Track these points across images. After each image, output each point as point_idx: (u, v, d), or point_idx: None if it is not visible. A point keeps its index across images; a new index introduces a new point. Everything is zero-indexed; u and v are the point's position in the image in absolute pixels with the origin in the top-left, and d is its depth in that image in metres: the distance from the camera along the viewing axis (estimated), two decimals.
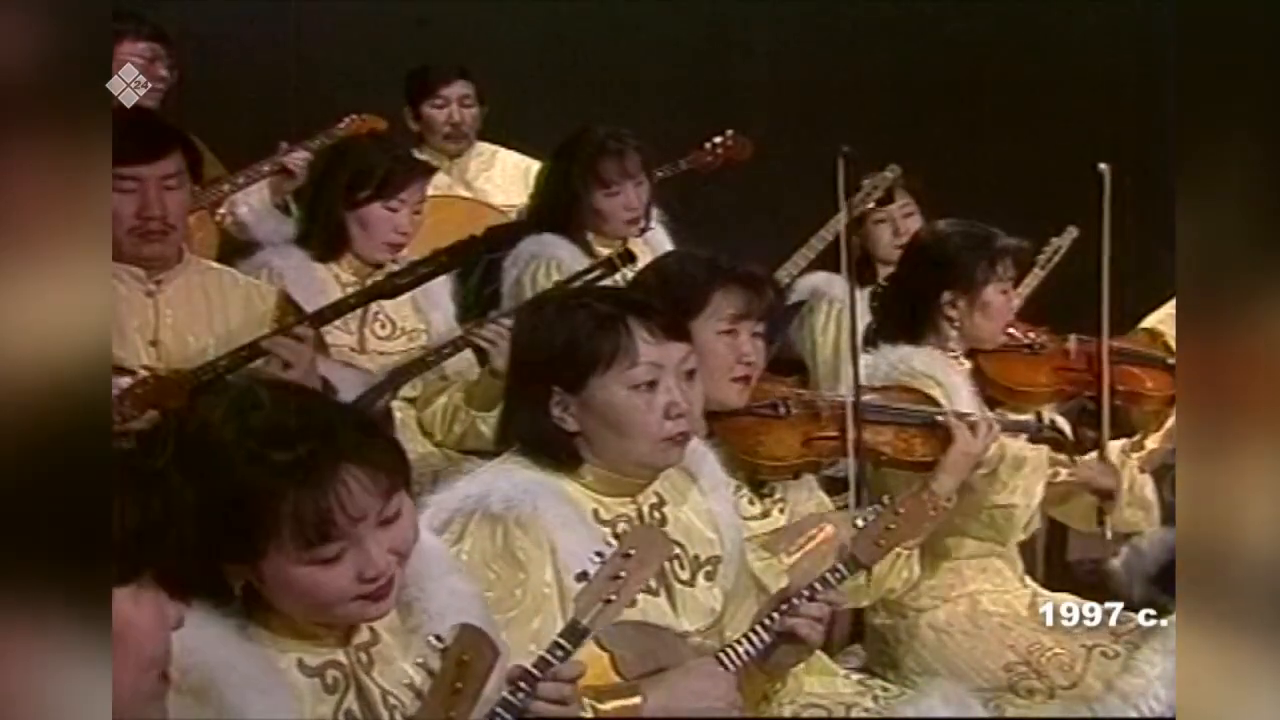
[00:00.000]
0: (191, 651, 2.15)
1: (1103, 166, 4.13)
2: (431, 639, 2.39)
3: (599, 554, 2.63)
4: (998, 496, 3.93)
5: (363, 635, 2.39)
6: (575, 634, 2.53)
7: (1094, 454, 4.20)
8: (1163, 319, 4.80)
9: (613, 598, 2.56)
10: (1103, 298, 4.13)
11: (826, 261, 5.38)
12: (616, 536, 2.99)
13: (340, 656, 2.37)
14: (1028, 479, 3.96)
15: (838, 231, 5.39)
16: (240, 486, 2.22)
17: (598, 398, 2.96)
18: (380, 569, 2.29)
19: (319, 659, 2.35)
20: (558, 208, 5.01)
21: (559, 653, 2.50)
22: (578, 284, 4.24)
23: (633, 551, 2.61)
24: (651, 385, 2.96)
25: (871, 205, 5.39)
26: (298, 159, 5.12)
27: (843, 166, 3.89)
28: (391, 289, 4.22)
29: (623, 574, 2.58)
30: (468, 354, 4.47)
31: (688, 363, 3.02)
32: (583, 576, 2.65)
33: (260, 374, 3.70)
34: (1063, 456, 4.22)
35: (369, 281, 4.47)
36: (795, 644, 3.03)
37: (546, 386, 2.97)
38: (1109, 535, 4.22)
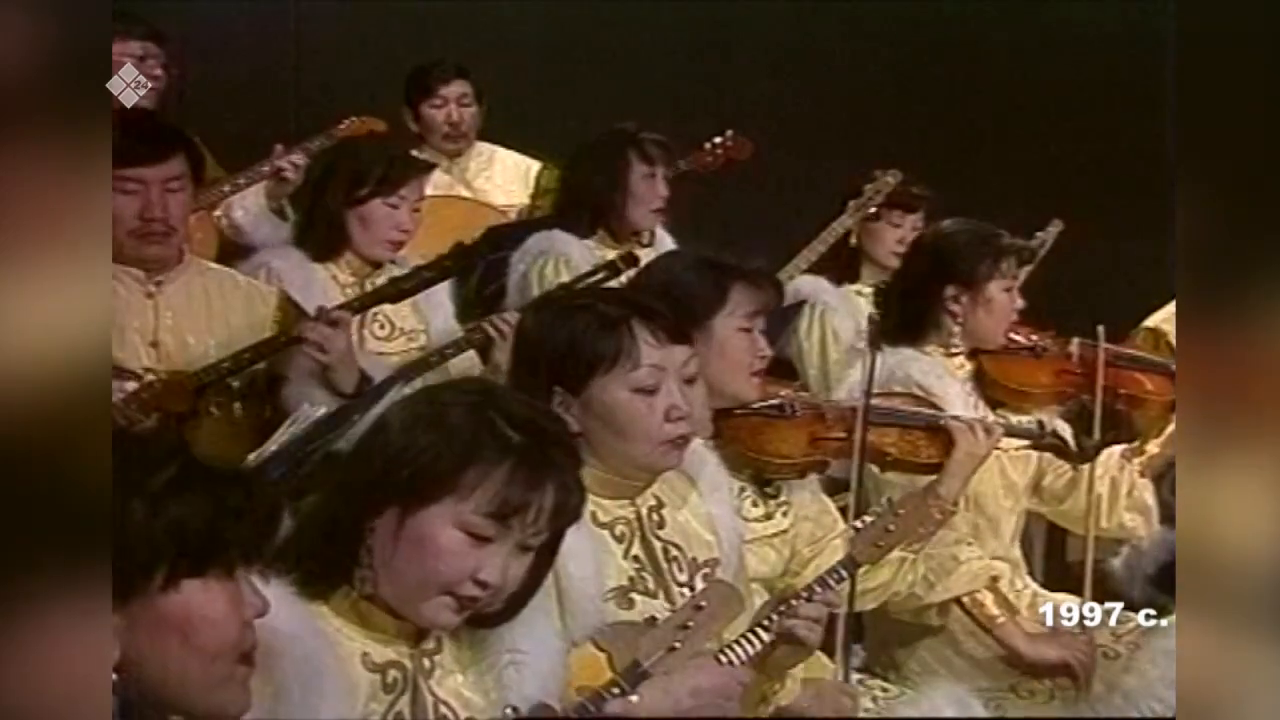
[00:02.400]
0: (259, 625, 2.16)
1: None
2: (509, 710, 2.42)
3: (671, 607, 2.70)
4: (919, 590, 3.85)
5: (430, 641, 2.41)
6: (634, 676, 2.56)
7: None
8: (1164, 319, 4.80)
9: (677, 646, 2.59)
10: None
11: (824, 264, 5.39)
12: (616, 538, 2.99)
13: (405, 659, 2.39)
14: (954, 582, 3.84)
15: (838, 234, 5.44)
16: (459, 441, 2.31)
17: (599, 399, 2.96)
18: (494, 580, 2.33)
19: (384, 656, 2.37)
20: (581, 199, 5.02)
21: (615, 690, 2.52)
22: (581, 286, 4.25)
23: (704, 604, 2.64)
24: (653, 388, 2.96)
25: (874, 210, 5.40)
26: (292, 162, 5.12)
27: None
28: (395, 293, 4.22)
29: (691, 624, 2.61)
30: (470, 354, 4.48)
31: (689, 366, 3.02)
32: (652, 621, 2.66)
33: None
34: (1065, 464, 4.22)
35: (367, 282, 4.47)
36: (794, 645, 3.03)
37: (548, 386, 2.97)
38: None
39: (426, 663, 2.40)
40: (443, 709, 2.39)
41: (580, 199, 5.05)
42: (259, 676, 2.15)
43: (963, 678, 3.85)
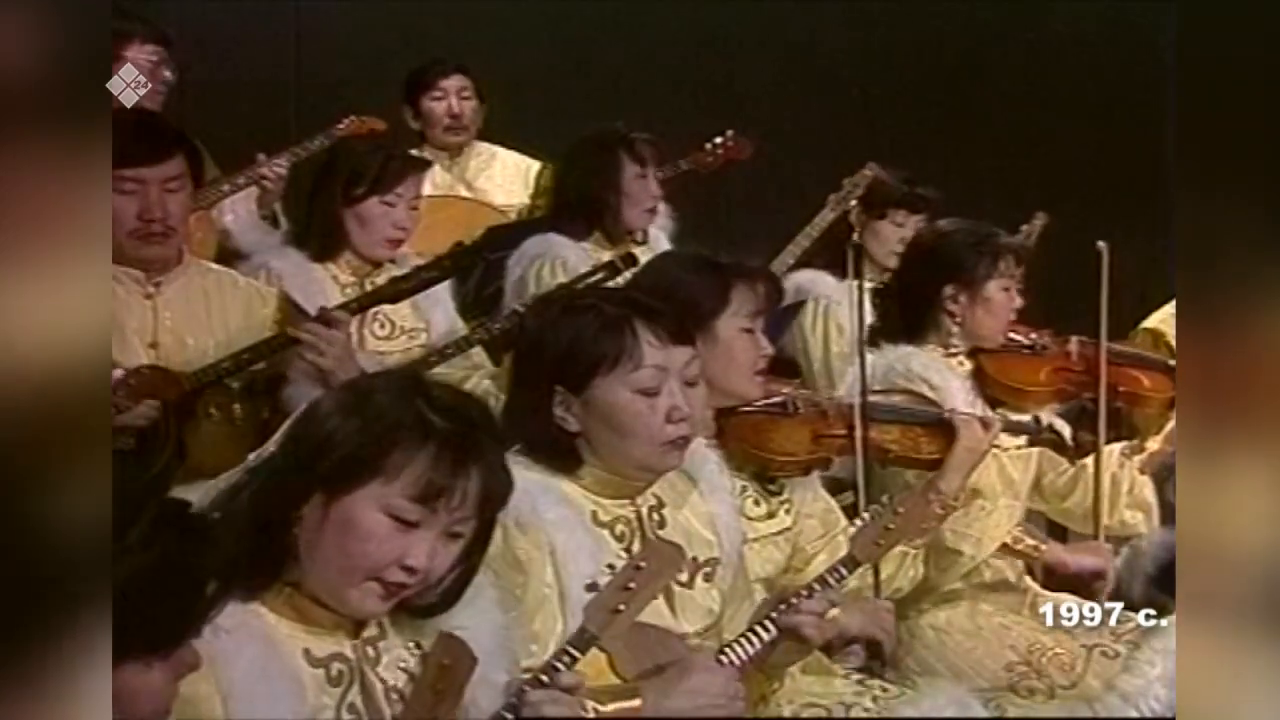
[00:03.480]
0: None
1: (1100, 245, 4.11)
2: (410, 645, 2.41)
3: (610, 565, 2.63)
4: (949, 538, 3.91)
5: (371, 630, 2.41)
6: (583, 641, 2.55)
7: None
8: (1164, 319, 4.80)
9: (622, 608, 2.58)
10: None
11: (812, 258, 5.38)
12: (616, 537, 2.99)
13: (347, 650, 2.38)
14: (988, 532, 3.93)
15: (823, 228, 5.43)
16: (383, 426, 2.33)
17: (600, 398, 2.96)
18: (420, 565, 2.33)
19: (325, 650, 2.37)
20: (579, 199, 5.02)
21: (566, 659, 2.52)
22: (579, 287, 4.25)
23: (644, 564, 2.63)
24: (655, 389, 2.96)
25: (854, 203, 5.40)
26: (275, 170, 5.12)
27: (852, 257, 3.94)
28: (394, 293, 4.22)
29: (633, 585, 2.60)
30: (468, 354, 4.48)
31: (691, 368, 3.02)
32: (593, 586, 2.66)
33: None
34: (1063, 460, 4.22)
35: (366, 281, 4.47)
36: (796, 643, 3.03)
37: (550, 386, 2.97)
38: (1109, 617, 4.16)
39: (370, 651, 2.40)
40: (394, 695, 2.39)
41: (574, 201, 5.05)
42: (208, 682, 2.17)
43: (963, 678, 3.85)
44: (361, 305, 4.17)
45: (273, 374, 3.92)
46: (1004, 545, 4.00)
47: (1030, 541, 4.07)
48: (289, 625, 2.35)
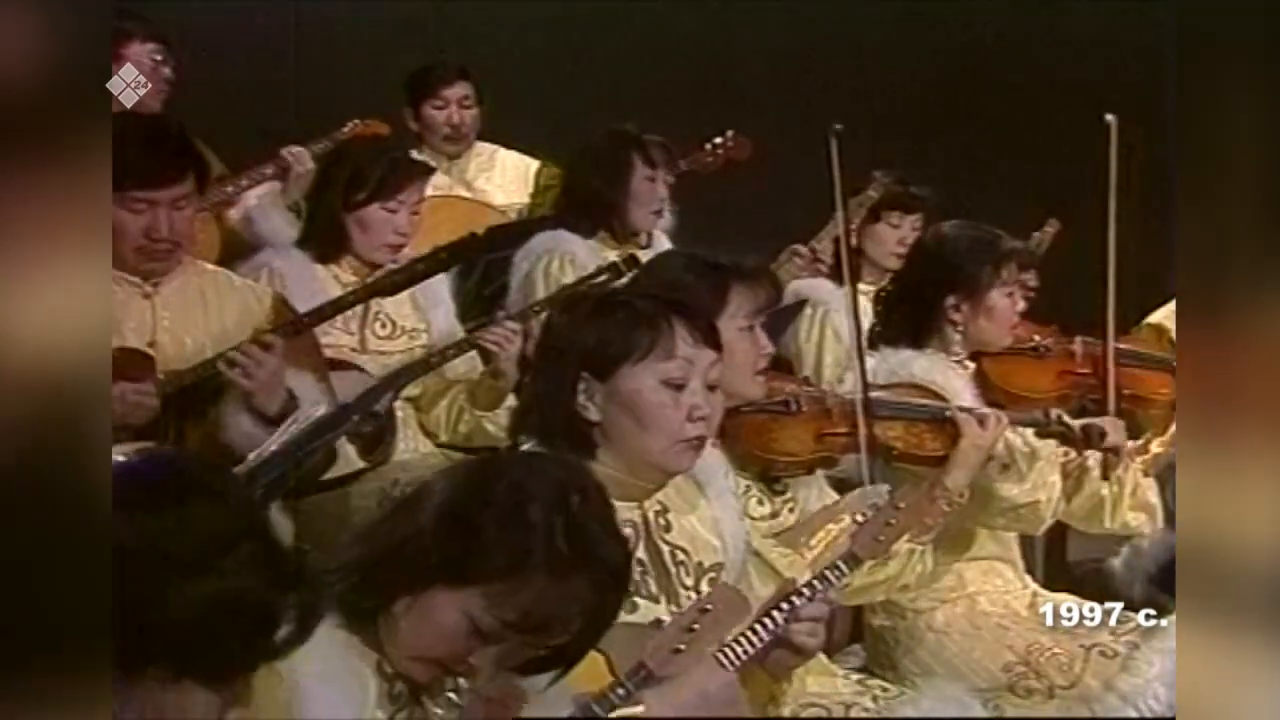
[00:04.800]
0: None
1: (1109, 118, 4.10)
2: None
3: (675, 610, 2.69)
4: (1019, 493, 3.92)
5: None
6: (640, 678, 2.55)
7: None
8: (1167, 315, 4.78)
9: (682, 648, 2.58)
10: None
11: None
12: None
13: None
14: (1042, 470, 3.95)
15: (835, 236, 5.43)
16: (506, 547, 2.28)
17: (626, 386, 2.96)
18: (480, 668, 2.32)
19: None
20: (583, 200, 5.03)
21: (621, 692, 2.53)
22: (581, 289, 4.26)
23: (710, 607, 2.64)
24: (681, 382, 2.97)
25: (864, 213, 5.40)
26: (301, 159, 5.13)
27: (835, 145, 3.89)
28: (390, 286, 4.22)
29: (697, 627, 2.60)
30: (470, 354, 4.48)
31: (714, 371, 3.03)
32: (658, 624, 2.67)
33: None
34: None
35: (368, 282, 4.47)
36: (793, 651, 3.03)
37: (575, 372, 2.98)
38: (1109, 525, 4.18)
39: (434, 683, 2.40)
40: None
41: (583, 200, 5.06)
42: (275, 677, 2.17)
43: (961, 678, 3.85)
44: (357, 299, 4.17)
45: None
46: (1063, 466, 4.01)
47: (1073, 452, 4.04)
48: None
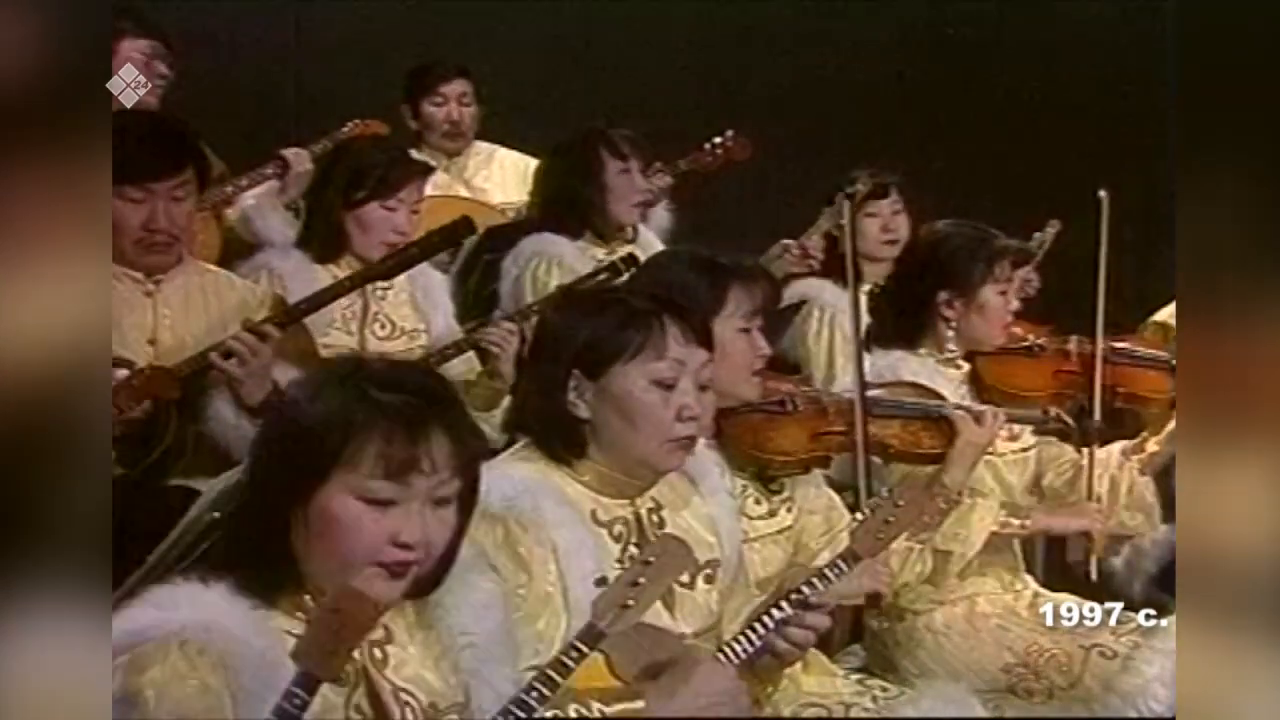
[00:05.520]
0: (211, 628, 2.18)
1: (1101, 193, 4.12)
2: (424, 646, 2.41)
3: (620, 562, 2.63)
4: (938, 539, 3.90)
5: (377, 632, 2.39)
6: (591, 637, 2.55)
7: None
8: (1174, 313, 4.77)
9: (630, 603, 2.58)
10: (1098, 312, 4.13)
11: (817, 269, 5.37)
12: (614, 538, 2.99)
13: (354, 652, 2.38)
14: (973, 528, 3.91)
15: (824, 231, 5.43)
16: (330, 416, 2.32)
17: (617, 385, 2.96)
18: (414, 539, 2.32)
19: None
20: (563, 198, 5.03)
21: (574, 654, 2.52)
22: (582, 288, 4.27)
23: (652, 560, 2.63)
24: (672, 382, 2.97)
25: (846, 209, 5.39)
26: (300, 159, 5.13)
27: (848, 206, 3.91)
28: (384, 270, 4.24)
29: (642, 580, 2.60)
30: (467, 355, 4.48)
31: (706, 371, 3.03)
32: (602, 581, 2.66)
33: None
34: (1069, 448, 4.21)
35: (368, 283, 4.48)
36: (779, 659, 3.03)
37: (566, 370, 2.98)
38: (1094, 577, 4.17)
39: (377, 653, 2.39)
40: (404, 695, 2.38)
41: (560, 200, 5.06)
42: (219, 682, 2.17)
43: (961, 679, 3.85)
44: (353, 284, 4.18)
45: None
46: (992, 534, 3.97)
47: (1015, 522, 4.03)
48: (300, 627, 2.34)
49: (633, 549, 3.00)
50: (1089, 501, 4.09)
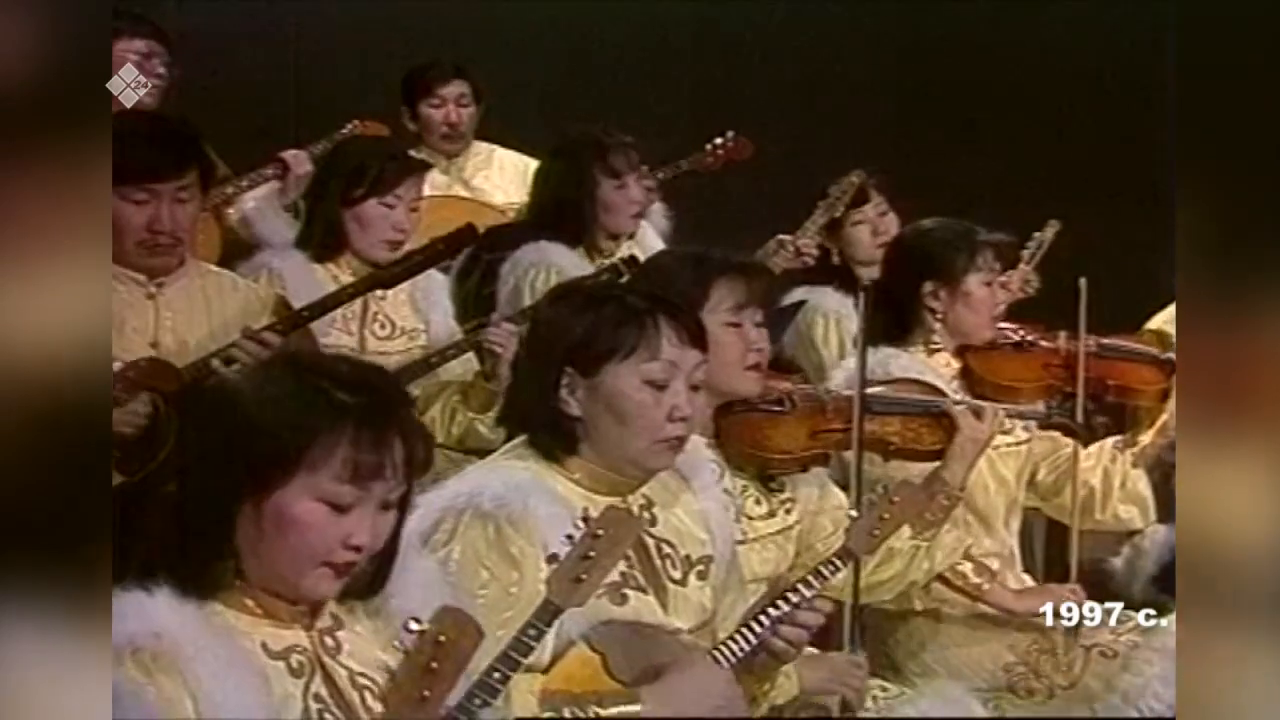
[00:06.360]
0: (161, 634, 2.18)
1: (1081, 281, 4.12)
2: (412, 623, 2.41)
3: (569, 535, 2.66)
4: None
5: (325, 620, 2.41)
6: (547, 613, 2.56)
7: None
8: (1169, 319, 4.78)
9: (584, 577, 2.59)
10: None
11: (811, 275, 5.36)
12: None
13: (304, 640, 2.38)
14: (888, 581, 3.82)
15: (812, 232, 5.43)
16: (290, 416, 2.30)
17: (609, 384, 2.96)
18: (364, 541, 2.33)
19: (282, 643, 2.36)
20: (559, 208, 5.03)
21: (532, 632, 2.53)
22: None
23: (602, 532, 2.64)
24: (664, 382, 2.97)
25: (842, 210, 5.39)
26: (300, 160, 5.14)
27: (863, 299, 3.90)
28: (389, 278, 4.24)
29: (592, 554, 2.61)
30: (466, 355, 4.48)
31: (699, 372, 3.03)
32: (553, 558, 2.67)
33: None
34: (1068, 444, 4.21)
35: None
36: (774, 657, 3.03)
37: (559, 367, 2.98)
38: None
39: (329, 641, 2.39)
40: (360, 680, 2.39)
41: (557, 208, 5.05)
42: (176, 684, 2.18)
43: (961, 679, 3.85)
44: (357, 291, 4.18)
45: None
46: (941, 577, 3.88)
47: (974, 580, 3.93)
48: (247, 620, 2.34)
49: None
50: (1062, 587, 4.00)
